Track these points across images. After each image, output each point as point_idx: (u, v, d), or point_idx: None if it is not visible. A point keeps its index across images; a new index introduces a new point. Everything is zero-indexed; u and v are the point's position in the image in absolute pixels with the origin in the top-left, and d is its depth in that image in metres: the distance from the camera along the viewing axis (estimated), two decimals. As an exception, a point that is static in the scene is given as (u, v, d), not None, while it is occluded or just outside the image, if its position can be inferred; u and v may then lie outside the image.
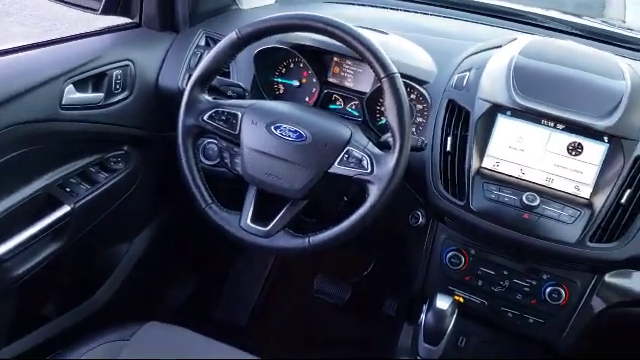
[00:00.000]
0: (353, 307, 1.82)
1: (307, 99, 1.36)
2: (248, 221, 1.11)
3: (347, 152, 1.07)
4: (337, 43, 1.09)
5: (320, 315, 1.86)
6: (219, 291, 1.92)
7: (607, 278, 1.13)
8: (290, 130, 1.09)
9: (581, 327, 1.15)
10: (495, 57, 1.21)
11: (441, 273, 1.22)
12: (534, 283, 1.15)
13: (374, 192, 1.04)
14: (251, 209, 1.12)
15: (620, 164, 1.07)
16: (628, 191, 1.06)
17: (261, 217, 1.12)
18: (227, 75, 1.32)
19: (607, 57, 1.22)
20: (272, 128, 1.10)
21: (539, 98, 1.11)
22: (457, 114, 1.16)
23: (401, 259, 1.30)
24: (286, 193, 1.10)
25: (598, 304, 1.14)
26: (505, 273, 1.17)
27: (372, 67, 1.07)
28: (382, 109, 1.26)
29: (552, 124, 1.11)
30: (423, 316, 1.08)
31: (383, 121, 1.29)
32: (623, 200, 1.06)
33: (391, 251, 1.41)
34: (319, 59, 1.34)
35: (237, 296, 1.91)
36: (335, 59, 1.34)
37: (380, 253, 1.70)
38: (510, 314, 1.19)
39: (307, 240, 1.08)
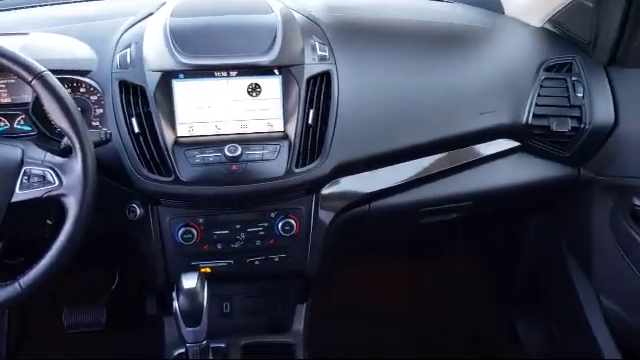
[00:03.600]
0: (115, 324, 1.70)
1: None
2: None
3: (25, 173, 0.95)
4: None
5: (83, 348, 1.69)
6: None
7: (323, 192, 1.22)
8: None
9: (320, 245, 1.23)
10: (150, 26, 1.18)
11: (179, 253, 1.18)
12: (266, 225, 1.18)
13: (73, 204, 0.94)
14: None
15: (296, 90, 1.14)
16: (312, 112, 1.14)
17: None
18: None
19: None
20: None
21: (203, 53, 1.11)
22: (133, 93, 1.11)
23: (139, 256, 1.23)
24: None
25: (325, 217, 1.23)
26: (238, 227, 1.18)
27: (16, 74, 0.95)
28: None
29: (225, 73, 1.13)
30: (175, 303, 1.04)
31: None
32: (310, 121, 1.13)
33: (126, 253, 1.33)
34: None
35: None
36: None
37: (118, 260, 1.59)
38: (257, 262, 1.21)
39: (18, 284, 0.94)
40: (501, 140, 1.33)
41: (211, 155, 1.10)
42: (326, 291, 1.76)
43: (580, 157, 1.33)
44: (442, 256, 1.94)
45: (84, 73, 1.15)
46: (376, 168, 1.26)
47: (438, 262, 1.95)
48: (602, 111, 1.27)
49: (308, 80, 1.15)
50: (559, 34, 1.40)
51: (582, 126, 1.27)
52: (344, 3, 1.44)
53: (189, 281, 1.04)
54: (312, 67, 1.16)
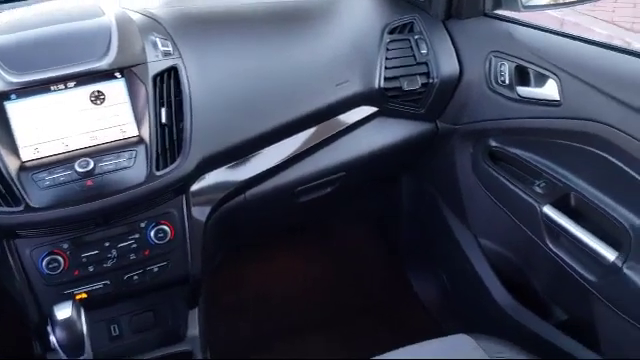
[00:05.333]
0: None
1: None
2: None
3: None
4: None
5: None
6: None
7: (193, 189, 1.18)
8: None
9: (199, 246, 1.19)
10: None
11: (48, 285, 1.09)
12: (137, 236, 1.12)
13: None
14: None
15: (144, 90, 1.08)
16: (164, 110, 1.09)
17: None
18: None
19: (84, 2, 1.20)
20: None
21: (34, 68, 1.03)
22: None
23: (6, 296, 1.13)
24: None
25: (200, 215, 1.19)
26: (107, 245, 1.11)
27: None
28: None
29: (62, 86, 1.05)
30: (52, 337, 0.97)
31: None
32: (164, 120, 1.09)
33: None
34: None
35: None
36: None
37: None
38: (136, 277, 1.15)
39: None
40: (361, 107, 1.35)
41: (61, 175, 1.02)
42: (223, 289, 1.73)
43: (435, 111, 1.39)
44: (330, 231, 1.96)
45: None
46: (243, 156, 1.24)
47: (328, 238, 1.97)
48: (447, 64, 1.33)
49: (154, 78, 1.10)
50: None
51: (431, 81, 1.32)
52: None
53: (62, 311, 0.97)
54: (156, 64, 1.11)
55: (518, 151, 1.30)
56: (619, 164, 1.07)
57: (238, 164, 1.24)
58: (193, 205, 1.17)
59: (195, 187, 1.18)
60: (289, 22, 1.35)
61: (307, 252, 1.95)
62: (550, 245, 1.21)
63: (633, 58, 1.05)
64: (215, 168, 1.19)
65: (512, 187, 1.28)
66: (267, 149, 1.27)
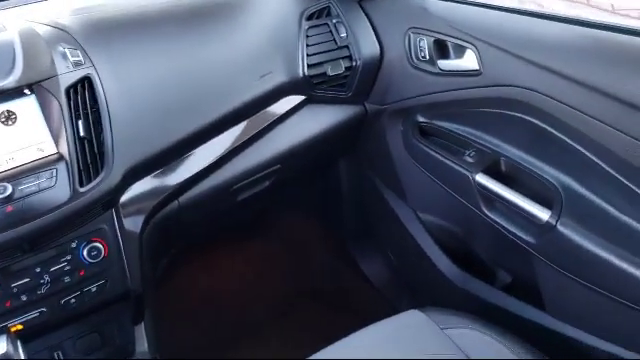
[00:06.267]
0: None
1: None
2: None
3: None
4: None
5: None
6: None
7: (123, 200, 1.13)
8: None
9: (137, 260, 1.14)
10: None
11: None
12: (69, 257, 1.07)
13: None
14: None
15: (57, 104, 1.03)
16: (80, 123, 1.04)
17: None
18: None
19: None
20: None
21: None
22: None
23: None
24: None
25: (133, 227, 1.14)
26: (38, 270, 1.05)
27: None
28: None
29: None
30: None
31: None
32: (82, 133, 1.04)
33: None
34: None
35: None
36: None
37: None
38: (73, 300, 1.09)
39: None
40: (288, 97, 1.34)
41: None
42: (170, 298, 1.69)
43: (361, 93, 1.39)
44: (274, 225, 1.95)
45: None
46: (172, 160, 1.20)
47: (272, 231, 1.96)
48: (367, 45, 1.33)
49: (67, 90, 1.05)
50: None
51: (354, 64, 1.32)
52: (89, 3, 1.33)
53: None
54: (68, 76, 1.06)
55: (446, 124, 1.32)
56: (543, 126, 1.10)
57: (168, 169, 1.20)
58: (124, 217, 1.13)
59: (124, 198, 1.13)
60: (203, 18, 1.31)
61: (253, 248, 1.93)
62: (486, 212, 1.23)
63: (547, 21, 1.08)
64: (143, 177, 1.15)
65: (443, 159, 1.29)
66: (197, 150, 1.23)
